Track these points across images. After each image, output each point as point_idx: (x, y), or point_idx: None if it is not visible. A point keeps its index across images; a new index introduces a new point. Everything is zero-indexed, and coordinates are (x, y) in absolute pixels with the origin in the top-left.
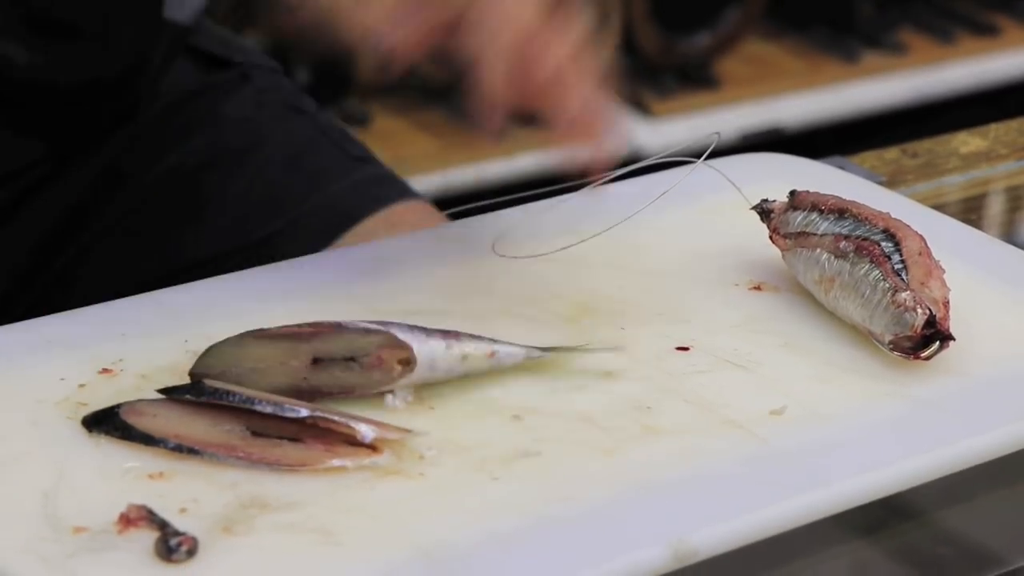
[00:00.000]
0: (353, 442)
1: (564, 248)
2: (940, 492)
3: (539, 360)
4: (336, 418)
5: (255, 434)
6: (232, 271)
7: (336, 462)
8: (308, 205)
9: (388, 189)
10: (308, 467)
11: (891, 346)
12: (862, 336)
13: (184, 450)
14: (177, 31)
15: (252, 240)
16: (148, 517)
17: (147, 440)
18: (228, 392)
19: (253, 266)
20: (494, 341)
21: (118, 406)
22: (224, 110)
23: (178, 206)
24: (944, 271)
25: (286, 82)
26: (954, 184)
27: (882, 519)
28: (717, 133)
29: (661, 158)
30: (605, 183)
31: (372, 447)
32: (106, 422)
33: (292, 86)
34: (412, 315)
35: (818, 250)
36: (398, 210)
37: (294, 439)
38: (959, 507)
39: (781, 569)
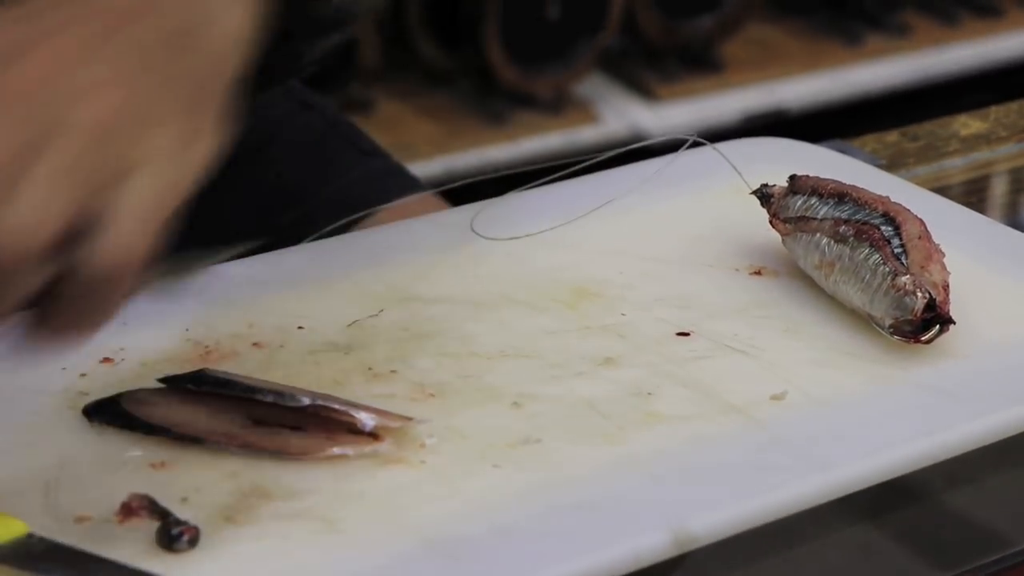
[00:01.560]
0: (354, 430)
1: (556, 227)
2: (942, 476)
3: (539, 345)
4: (337, 406)
5: (256, 423)
6: None
7: (337, 450)
8: (320, 198)
9: (397, 182)
10: (309, 456)
11: (891, 330)
12: (862, 320)
13: (186, 439)
14: None
15: (265, 232)
16: (150, 507)
17: (148, 429)
18: (229, 381)
19: None
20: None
21: (119, 395)
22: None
23: (188, 202)
24: (944, 255)
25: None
26: (954, 167)
27: (884, 503)
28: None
29: (651, 142)
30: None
31: (373, 435)
32: (107, 411)
33: (299, 82)
34: (411, 301)
35: (818, 234)
36: (408, 203)
37: (295, 428)
38: (961, 490)
39: (782, 555)
